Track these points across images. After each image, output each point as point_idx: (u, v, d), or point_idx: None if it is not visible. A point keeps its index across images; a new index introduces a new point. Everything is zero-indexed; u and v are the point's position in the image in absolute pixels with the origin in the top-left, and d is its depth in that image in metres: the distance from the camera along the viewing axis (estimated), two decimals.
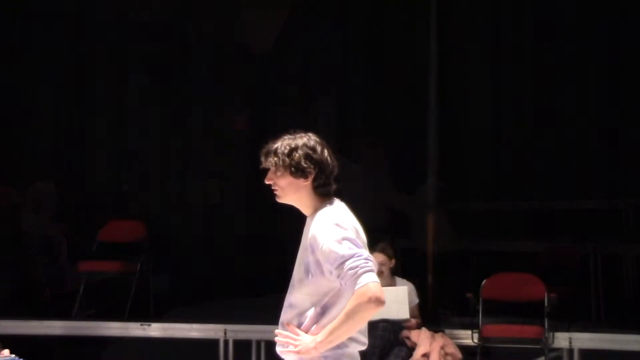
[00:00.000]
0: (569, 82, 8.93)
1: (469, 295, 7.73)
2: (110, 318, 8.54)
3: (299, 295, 4.16)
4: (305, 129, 4.21)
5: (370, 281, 3.87)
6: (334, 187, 4.13)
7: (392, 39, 9.35)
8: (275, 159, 4.15)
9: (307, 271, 4.14)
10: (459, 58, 9.22)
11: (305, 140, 4.18)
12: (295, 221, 8.61)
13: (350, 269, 3.91)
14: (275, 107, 9.64)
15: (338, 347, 4.07)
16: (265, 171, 4.14)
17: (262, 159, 4.19)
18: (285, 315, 4.18)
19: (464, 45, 9.26)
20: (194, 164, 9.63)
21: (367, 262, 3.94)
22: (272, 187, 4.20)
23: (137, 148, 9.71)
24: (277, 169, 4.16)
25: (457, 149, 9.10)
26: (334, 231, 4.02)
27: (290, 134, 4.18)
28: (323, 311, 4.13)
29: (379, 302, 3.90)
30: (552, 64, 8.99)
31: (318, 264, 4.06)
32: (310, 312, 4.12)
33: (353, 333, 4.02)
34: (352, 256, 3.94)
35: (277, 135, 4.23)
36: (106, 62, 9.96)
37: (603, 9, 8.77)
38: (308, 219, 4.20)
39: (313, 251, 4.09)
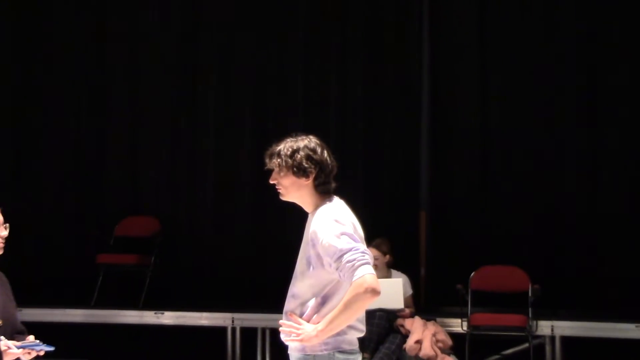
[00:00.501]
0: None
1: (458, 286, 7.73)
2: (127, 307, 8.58)
3: (301, 287, 4.22)
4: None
5: (366, 273, 3.95)
6: (333, 185, 4.21)
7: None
8: (278, 160, 4.23)
9: (308, 264, 4.20)
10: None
11: (307, 142, 4.27)
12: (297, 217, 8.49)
13: (348, 262, 3.99)
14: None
15: (338, 334, 4.12)
16: (270, 171, 4.20)
17: (267, 160, 4.26)
18: (289, 305, 4.24)
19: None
20: (204, 163, 9.55)
21: (363, 256, 4.02)
22: (276, 186, 4.27)
23: (150, 149, 9.61)
24: (280, 170, 4.23)
25: (447, 147, 9.01)
26: (333, 226, 4.09)
27: (292, 136, 4.26)
28: (323, 301, 4.19)
29: (374, 292, 3.97)
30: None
31: (319, 257, 4.13)
32: (312, 302, 4.18)
33: (352, 321, 4.09)
34: (349, 250, 4.02)
35: (280, 138, 4.31)
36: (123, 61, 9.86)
37: (597, 8, 8.68)
38: (309, 216, 4.27)
39: (314, 245, 4.15)
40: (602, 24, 8.69)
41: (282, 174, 4.26)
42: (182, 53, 9.65)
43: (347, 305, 4.03)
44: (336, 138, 9.00)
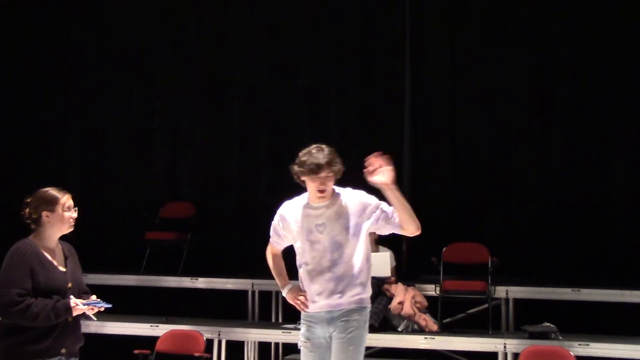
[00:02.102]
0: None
1: (433, 259, 7.76)
2: (168, 274, 8.67)
3: (350, 252, 4.37)
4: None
5: None
6: None
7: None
8: (331, 172, 4.35)
9: (355, 232, 4.38)
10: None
11: (333, 150, 4.42)
12: None
13: (388, 207, 4.34)
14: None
15: (367, 292, 4.41)
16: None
17: (314, 172, 4.31)
18: (340, 269, 4.38)
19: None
20: (228, 157, 9.59)
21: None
22: (324, 192, 4.38)
23: (185, 146, 9.68)
24: (330, 178, 4.37)
25: (425, 148, 9.00)
26: (364, 193, 4.44)
27: (318, 146, 4.39)
28: (367, 259, 4.42)
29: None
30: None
31: (367, 221, 4.36)
32: (362, 262, 4.39)
33: (405, 213, 4.33)
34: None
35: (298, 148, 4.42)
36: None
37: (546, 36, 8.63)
38: (332, 200, 4.42)
39: (363, 211, 4.38)
40: (550, 49, 8.67)
41: (331, 181, 4.40)
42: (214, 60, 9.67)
43: (409, 208, 4.33)
44: (337, 138, 9.03)
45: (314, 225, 4.45)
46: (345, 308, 4.41)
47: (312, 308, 4.48)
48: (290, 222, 4.54)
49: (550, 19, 8.66)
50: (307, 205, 4.51)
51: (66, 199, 4.26)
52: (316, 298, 4.45)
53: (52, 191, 4.27)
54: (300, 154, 4.45)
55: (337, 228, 4.43)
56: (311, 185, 4.42)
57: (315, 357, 4.49)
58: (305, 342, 4.53)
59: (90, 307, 4.18)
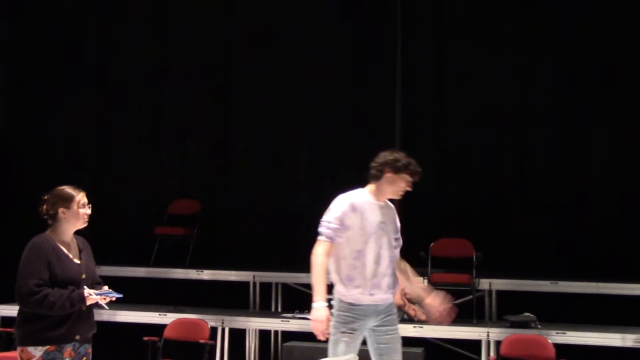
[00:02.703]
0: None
1: (422, 253, 7.77)
2: (176, 266, 8.68)
3: (394, 255, 4.52)
4: None
5: None
6: None
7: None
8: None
9: (396, 239, 4.52)
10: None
11: None
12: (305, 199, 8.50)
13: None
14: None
15: None
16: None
17: (413, 176, 4.47)
18: (392, 264, 4.51)
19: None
20: (233, 159, 9.59)
21: None
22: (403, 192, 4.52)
23: (192, 147, 9.66)
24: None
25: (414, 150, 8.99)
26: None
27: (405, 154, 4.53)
28: None
29: None
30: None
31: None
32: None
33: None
34: None
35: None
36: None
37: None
38: (387, 203, 4.53)
39: (395, 226, 4.54)
40: (533, 55, 8.69)
41: None
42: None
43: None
44: (333, 137, 9.14)
45: (378, 222, 4.45)
46: (390, 301, 4.49)
47: (368, 300, 4.40)
48: (361, 214, 4.44)
49: (534, 24, 8.70)
50: (373, 201, 4.49)
51: (81, 197, 4.29)
52: (374, 291, 4.40)
53: (68, 189, 4.30)
54: (401, 156, 4.49)
55: (392, 228, 4.50)
56: (400, 184, 4.46)
57: (355, 348, 4.40)
58: (350, 333, 4.37)
59: (103, 296, 4.19)
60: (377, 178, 4.50)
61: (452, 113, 8.89)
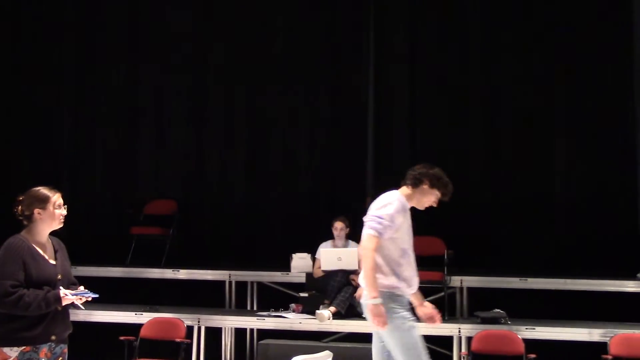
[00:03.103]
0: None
1: None
2: (152, 266, 8.56)
3: None
4: None
5: None
6: None
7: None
8: None
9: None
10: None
11: None
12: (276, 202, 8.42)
13: None
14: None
15: None
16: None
17: (445, 195, 4.60)
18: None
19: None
20: (207, 160, 9.50)
21: None
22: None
23: (168, 150, 9.57)
24: None
25: (387, 152, 8.96)
26: None
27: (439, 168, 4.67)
28: None
29: None
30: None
31: None
32: None
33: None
34: None
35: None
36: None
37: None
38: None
39: None
40: (495, 61, 8.72)
41: None
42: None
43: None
44: (307, 142, 9.07)
45: (410, 224, 4.60)
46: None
47: (409, 292, 4.59)
48: (407, 215, 4.58)
49: (500, 30, 8.74)
50: (407, 205, 4.60)
51: (57, 198, 4.19)
52: (413, 283, 4.57)
53: (44, 190, 4.19)
54: (441, 173, 4.63)
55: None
56: (430, 198, 4.60)
57: None
58: (414, 318, 4.55)
59: (79, 297, 4.11)
60: (414, 185, 4.60)
61: (424, 116, 8.89)
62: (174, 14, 9.65)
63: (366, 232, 4.46)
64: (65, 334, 4.17)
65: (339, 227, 7.68)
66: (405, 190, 4.63)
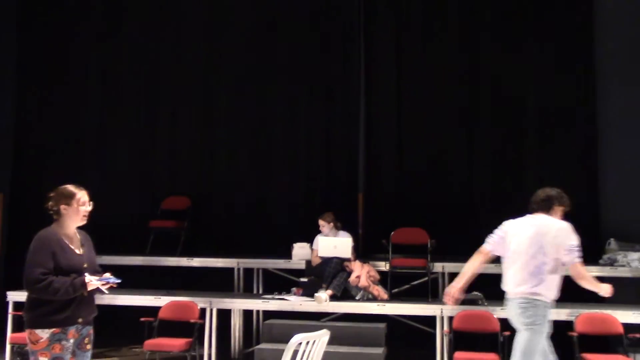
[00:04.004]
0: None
1: (383, 241, 7.77)
2: (169, 255, 8.53)
3: None
4: None
5: None
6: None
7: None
8: None
9: None
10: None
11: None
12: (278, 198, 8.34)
13: None
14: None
15: None
16: None
17: (563, 211, 4.98)
18: None
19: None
20: (217, 160, 9.43)
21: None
22: None
23: (183, 150, 9.49)
24: None
25: (376, 152, 8.92)
26: None
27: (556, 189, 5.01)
28: None
29: None
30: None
31: None
32: None
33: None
34: None
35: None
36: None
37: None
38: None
39: None
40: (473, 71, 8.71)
41: None
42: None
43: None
44: (304, 142, 9.00)
45: None
46: None
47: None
48: None
49: (479, 34, 8.74)
50: None
51: (81, 195, 4.17)
52: None
53: (70, 187, 4.19)
54: (562, 193, 5.01)
55: None
56: (560, 213, 4.96)
57: None
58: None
59: (103, 283, 4.11)
60: (545, 209, 4.97)
61: (409, 119, 8.87)
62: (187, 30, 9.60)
63: (577, 261, 4.83)
64: (91, 316, 4.18)
65: (321, 224, 7.69)
66: (544, 214, 4.99)
